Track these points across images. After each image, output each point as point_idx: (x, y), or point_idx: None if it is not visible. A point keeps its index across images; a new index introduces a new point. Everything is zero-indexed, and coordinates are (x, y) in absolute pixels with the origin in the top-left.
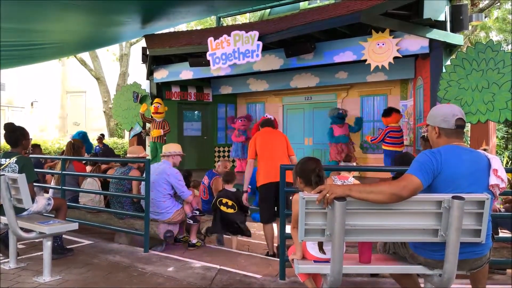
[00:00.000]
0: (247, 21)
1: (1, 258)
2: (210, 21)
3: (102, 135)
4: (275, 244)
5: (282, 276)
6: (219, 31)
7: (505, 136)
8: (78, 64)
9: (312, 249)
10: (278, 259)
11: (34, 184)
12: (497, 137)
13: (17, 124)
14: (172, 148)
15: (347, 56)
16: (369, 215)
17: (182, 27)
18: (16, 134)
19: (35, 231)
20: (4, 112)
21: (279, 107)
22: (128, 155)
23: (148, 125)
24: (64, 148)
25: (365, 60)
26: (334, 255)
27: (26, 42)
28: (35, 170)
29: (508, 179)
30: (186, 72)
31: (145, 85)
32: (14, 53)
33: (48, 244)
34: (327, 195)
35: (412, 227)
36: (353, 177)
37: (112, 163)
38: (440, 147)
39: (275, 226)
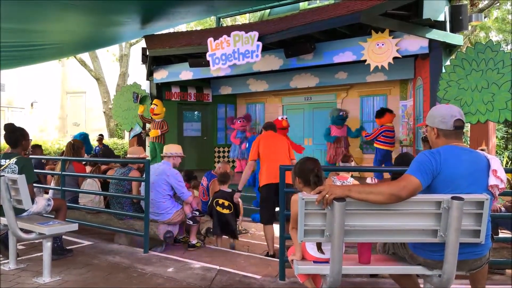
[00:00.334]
0: (247, 22)
1: (1, 259)
2: (209, 22)
3: (101, 136)
4: (276, 245)
5: (281, 276)
6: (218, 31)
7: (505, 136)
8: (78, 65)
9: (312, 249)
10: (278, 260)
11: (34, 185)
12: (496, 137)
13: (17, 124)
14: (174, 149)
15: (346, 56)
16: (368, 215)
17: (182, 27)
18: (16, 135)
19: (35, 232)
20: (4, 113)
21: (279, 108)
22: (128, 156)
23: (148, 125)
24: (64, 148)
25: (365, 61)
26: (334, 255)
27: (26, 42)
28: (36, 170)
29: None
30: (186, 73)
31: (145, 86)
32: (14, 53)
33: (48, 245)
34: (327, 195)
35: (412, 227)
36: (352, 177)
37: (112, 163)
38: (439, 148)
39: (276, 227)
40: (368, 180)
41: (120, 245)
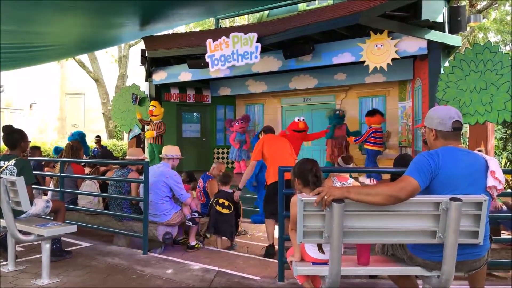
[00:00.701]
0: (246, 23)
1: (0, 260)
2: (208, 23)
3: (99, 137)
4: (275, 246)
5: (281, 278)
6: (217, 32)
7: (504, 137)
8: (77, 66)
9: (311, 251)
10: (277, 261)
11: (33, 186)
12: (495, 138)
13: (15, 126)
14: (173, 151)
15: (345, 57)
16: (367, 217)
17: (181, 29)
18: (14, 136)
19: (34, 234)
20: (3, 114)
21: (278, 109)
22: (127, 157)
23: (147, 127)
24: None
25: (364, 62)
26: (333, 257)
27: (25, 44)
28: (35, 172)
29: (506, 180)
30: (185, 74)
31: (144, 87)
32: (13, 55)
33: (46, 247)
34: (325, 197)
35: (410, 228)
36: (352, 178)
37: (110, 165)
38: (437, 149)
39: (275, 227)
40: (365, 180)
41: (119, 246)
